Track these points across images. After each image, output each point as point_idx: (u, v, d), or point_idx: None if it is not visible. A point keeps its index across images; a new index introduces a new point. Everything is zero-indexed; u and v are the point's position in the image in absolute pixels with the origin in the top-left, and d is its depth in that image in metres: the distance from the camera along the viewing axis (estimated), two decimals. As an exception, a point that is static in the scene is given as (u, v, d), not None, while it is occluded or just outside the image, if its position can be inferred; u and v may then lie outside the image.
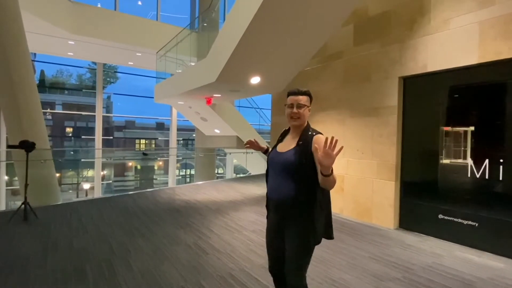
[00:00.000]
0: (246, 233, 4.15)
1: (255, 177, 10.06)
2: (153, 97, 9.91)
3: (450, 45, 3.84)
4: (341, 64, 5.32)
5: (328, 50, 5.55)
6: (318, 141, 1.65)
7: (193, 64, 11.47)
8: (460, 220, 3.82)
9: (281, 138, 1.95)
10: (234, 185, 8.41)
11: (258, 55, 5.14)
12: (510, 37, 3.30)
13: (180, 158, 18.41)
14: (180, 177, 21.14)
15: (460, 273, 2.99)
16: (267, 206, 1.92)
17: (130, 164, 20.91)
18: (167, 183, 16.11)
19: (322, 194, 1.74)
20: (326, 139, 1.47)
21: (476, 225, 3.67)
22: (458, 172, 3.90)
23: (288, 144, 1.82)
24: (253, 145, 2.22)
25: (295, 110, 1.78)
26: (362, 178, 4.87)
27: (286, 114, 1.84)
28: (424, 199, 4.21)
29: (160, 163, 22.04)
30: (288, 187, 1.71)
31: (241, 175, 19.08)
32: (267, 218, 1.94)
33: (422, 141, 4.33)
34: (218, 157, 14.48)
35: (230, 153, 12.96)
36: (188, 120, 11.93)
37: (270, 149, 2.02)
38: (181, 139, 22.10)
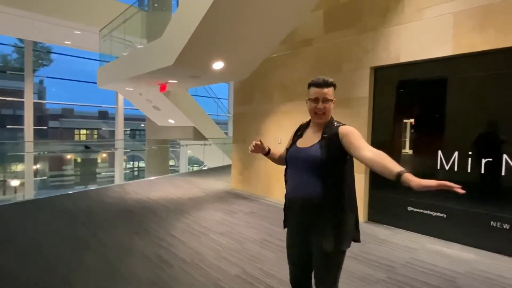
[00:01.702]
0: (213, 237, 3.71)
1: (214, 171, 9.56)
2: (95, 82, 8.73)
3: (424, 35, 3.76)
4: (311, 52, 5.05)
5: (297, 36, 5.23)
6: (347, 132, 1.51)
7: (141, 47, 10.41)
8: (428, 212, 3.85)
9: (300, 133, 1.73)
10: (192, 179, 7.83)
11: (222, 38, 4.62)
12: (485, 29, 3.29)
13: (128, 150, 16.97)
14: (128, 170, 19.60)
15: (439, 268, 2.94)
16: (287, 209, 1.73)
17: (68, 156, 18.73)
18: (113, 177, 14.71)
19: (349, 191, 1.58)
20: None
21: (444, 216, 3.72)
22: (427, 164, 3.90)
23: (311, 139, 1.62)
24: (258, 148, 1.83)
25: (320, 105, 1.56)
26: (332, 171, 4.72)
27: (309, 108, 1.61)
28: (393, 191, 4.18)
29: (104, 155, 20.17)
30: (314, 185, 1.53)
31: (196, 168, 18.35)
32: (285, 222, 1.77)
33: (390, 133, 4.28)
34: (170, 149, 13.55)
35: (186, 145, 12.18)
36: (137, 109, 10.86)
37: (289, 146, 1.76)
38: (128, 129, 20.44)
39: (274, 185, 5.72)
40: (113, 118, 14.30)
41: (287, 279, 2.66)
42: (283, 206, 1.77)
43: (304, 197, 1.55)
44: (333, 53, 4.73)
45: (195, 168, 19.12)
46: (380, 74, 4.30)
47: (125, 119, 14.05)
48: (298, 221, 1.63)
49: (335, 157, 1.52)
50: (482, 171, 3.42)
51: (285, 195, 1.70)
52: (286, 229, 1.78)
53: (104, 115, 23.24)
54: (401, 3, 3.95)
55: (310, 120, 1.71)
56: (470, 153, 3.52)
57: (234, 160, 6.75)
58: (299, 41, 5.23)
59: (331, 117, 1.63)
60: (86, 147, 14.66)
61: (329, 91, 1.56)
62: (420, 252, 3.32)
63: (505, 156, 3.27)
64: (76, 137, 21.89)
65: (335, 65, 4.70)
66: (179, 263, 2.98)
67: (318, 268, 1.58)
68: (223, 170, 9.48)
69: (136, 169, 22.15)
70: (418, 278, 2.73)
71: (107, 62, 8.17)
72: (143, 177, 11.73)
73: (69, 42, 11.53)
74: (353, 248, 3.30)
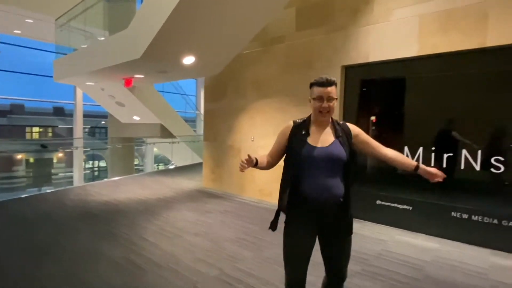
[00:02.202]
0: (188, 238, 3.59)
1: (184, 169, 9.30)
2: (50, 76, 8.05)
3: (392, 36, 3.93)
4: (282, 49, 5.06)
5: (269, 33, 5.21)
6: (358, 131, 1.70)
7: (104, 38, 9.79)
8: (396, 205, 4.05)
9: (304, 132, 1.66)
10: (161, 179, 7.55)
11: (193, 32, 4.46)
12: (447, 32, 3.50)
13: (88, 149, 15.95)
14: (88, 171, 18.45)
15: (408, 258, 3.10)
16: (294, 211, 1.64)
17: (19, 156, 17.16)
18: (71, 178, 13.74)
19: (351, 183, 1.69)
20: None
21: (411, 208, 3.93)
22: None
23: (325, 138, 1.63)
24: (249, 163, 1.60)
25: (325, 104, 1.58)
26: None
27: (313, 107, 1.63)
28: (363, 186, 4.34)
29: (60, 154, 18.81)
30: (337, 184, 1.60)
31: (162, 167, 17.76)
32: (290, 220, 1.67)
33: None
34: (135, 147, 12.94)
35: (153, 143, 11.70)
36: (98, 105, 10.22)
37: (287, 146, 1.72)
38: (88, 126, 19.24)
39: (248, 183, 5.69)
40: (71, 115, 13.33)
41: (267, 277, 2.65)
42: (281, 206, 1.69)
43: (331, 198, 1.58)
44: (304, 51, 4.78)
45: (161, 167, 18.51)
46: (351, 72, 4.42)
47: (84, 115, 13.16)
48: (316, 221, 1.63)
49: (352, 155, 1.63)
50: (444, 165, 3.66)
51: (295, 193, 1.62)
52: (282, 230, 1.72)
53: (60, 112, 21.64)
54: (370, 4, 4.08)
55: (306, 119, 1.71)
56: (433, 148, 3.75)
57: (206, 158, 6.60)
58: (271, 38, 5.21)
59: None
60: (43, 146, 13.52)
61: (332, 89, 1.59)
62: (390, 244, 3.47)
63: (464, 151, 3.52)
64: (28, 136, 20.14)
65: (306, 63, 4.75)
66: (153, 267, 2.84)
67: (341, 258, 1.70)
68: (193, 168, 9.25)
69: (96, 169, 20.94)
70: (390, 269, 2.85)
71: (65, 54, 7.56)
72: (105, 178, 11.10)
73: (19, 32, 10.51)
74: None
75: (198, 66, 5.46)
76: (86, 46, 7.35)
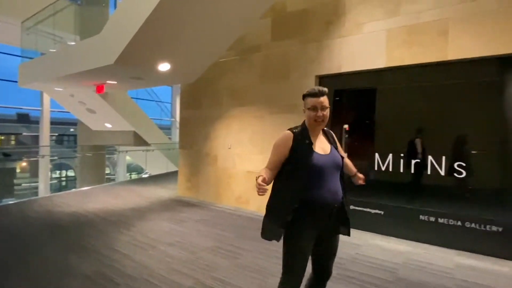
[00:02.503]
0: (162, 248, 3.48)
1: (158, 178, 9.06)
2: (14, 81, 7.62)
3: (362, 48, 4.12)
4: (259, 58, 5.14)
5: (245, 42, 5.29)
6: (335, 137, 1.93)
7: (74, 43, 9.44)
8: (368, 210, 4.18)
9: (308, 141, 1.73)
10: (134, 188, 7.30)
11: (169, 38, 4.43)
12: (412, 45, 3.73)
13: (55, 157, 15.13)
14: (55, 181, 17.46)
15: (381, 261, 3.21)
16: (303, 213, 1.65)
17: (-24, 166, 15.93)
18: (36, 189, 12.93)
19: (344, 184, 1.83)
20: None
21: (382, 213, 4.08)
22: (365, 166, 4.24)
23: (323, 145, 1.78)
24: (267, 183, 1.59)
25: (319, 113, 1.69)
26: (281, 175, 4.83)
27: (309, 117, 1.73)
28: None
29: (24, 164, 17.68)
30: (339, 187, 1.75)
31: (135, 176, 17.19)
32: (297, 227, 1.67)
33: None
34: (106, 155, 12.41)
35: (126, 152, 11.32)
36: (67, 112, 9.77)
37: (304, 149, 1.72)
38: (55, 134, 18.29)
39: (224, 191, 5.65)
40: (36, 122, 12.61)
41: (243, 285, 2.63)
42: (283, 220, 1.67)
43: (336, 199, 1.71)
44: (280, 61, 4.88)
45: (134, 176, 17.90)
46: (325, 82, 4.57)
47: (52, 123, 12.51)
48: (322, 222, 1.71)
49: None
50: (412, 171, 3.85)
51: (304, 199, 1.65)
52: (285, 234, 1.73)
53: (24, 118, 20.42)
54: (342, 17, 4.27)
55: (303, 128, 1.76)
56: (402, 155, 3.94)
57: (181, 166, 6.49)
58: (247, 47, 5.28)
59: None
60: (5, 154, 12.65)
61: (324, 99, 1.70)
62: (364, 248, 3.57)
63: (430, 157, 3.73)
64: (-13, 144, 18.78)
65: (282, 72, 4.86)
66: (126, 280, 2.72)
67: (334, 254, 1.84)
68: (167, 177, 9.04)
69: (64, 179, 19.87)
70: (364, 272, 2.93)
71: (31, 58, 7.21)
72: (73, 188, 10.56)
73: (-21, 33, 9.90)
74: (305, 249, 3.42)
75: (173, 73, 5.41)
76: (55, 50, 7.06)
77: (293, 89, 4.73)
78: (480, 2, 3.34)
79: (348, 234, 1.83)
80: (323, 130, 1.84)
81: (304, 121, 1.80)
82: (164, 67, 5.05)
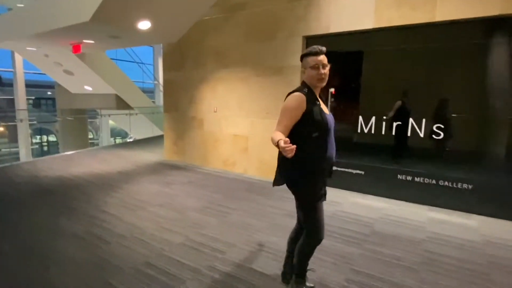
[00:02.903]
0: (152, 209, 3.58)
1: (144, 142, 8.99)
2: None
3: (351, 7, 4.01)
4: (244, 17, 4.93)
5: (230, -1, 5.02)
6: None
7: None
8: (350, 170, 4.36)
9: (318, 102, 1.78)
10: (120, 152, 7.25)
11: (149, -7, 4.15)
12: (401, 6, 3.65)
13: (34, 122, 14.60)
14: (37, 146, 17.02)
15: (359, 216, 3.42)
16: (321, 170, 1.77)
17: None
18: (17, 154, 12.62)
19: None
20: None
21: (363, 173, 4.27)
22: (348, 129, 4.34)
23: (323, 106, 1.83)
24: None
25: (322, 71, 1.72)
26: (267, 138, 4.89)
27: (311, 75, 1.75)
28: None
29: (1, 129, 17.04)
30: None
31: (120, 141, 16.95)
32: (318, 186, 1.78)
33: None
34: (88, 120, 12.03)
35: (109, 116, 11.02)
36: (44, 73, 9.27)
37: (317, 111, 1.74)
38: (32, 97, 17.48)
39: (211, 153, 5.70)
40: (10, 85, 11.93)
41: (231, 240, 2.78)
42: (315, 170, 1.75)
43: (335, 156, 1.84)
44: (266, 20, 4.70)
45: (119, 141, 17.66)
46: (312, 43, 4.45)
47: (27, 85, 11.88)
48: (325, 179, 1.85)
49: None
50: (394, 133, 3.98)
51: (322, 158, 1.75)
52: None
53: (-5, 81, 19.22)
54: (332, -27, 4.08)
55: (308, 89, 1.76)
56: (384, 118, 4.03)
57: (167, 130, 6.43)
58: (232, 5, 5.03)
59: None
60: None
61: (324, 58, 1.73)
62: (343, 205, 3.78)
63: (411, 120, 3.85)
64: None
65: (268, 32, 4.70)
66: (117, 239, 2.82)
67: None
68: (153, 141, 8.98)
69: (45, 144, 19.39)
70: (343, 227, 3.14)
71: (-4, 13, 6.62)
72: (56, 153, 10.36)
73: None
74: (286, 206, 3.60)
75: (154, 32, 5.14)
76: (23, 5, 6.51)
77: (280, 50, 4.62)
78: (472, -41, 3.24)
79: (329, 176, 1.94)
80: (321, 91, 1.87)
81: (304, 82, 1.79)
82: (144, 25, 4.78)
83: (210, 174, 5.23)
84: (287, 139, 1.48)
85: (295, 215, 3.36)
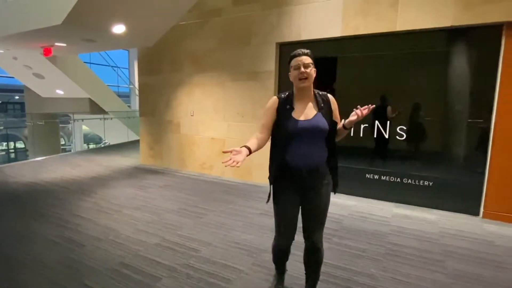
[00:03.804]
0: (127, 212, 3.58)
1: (118, 147, 8.83)
2: None
3: (321, 16, 4.24)
4: (220, 23, 5.05)
5: (206, 5, 5.13)
6: (334, 101, 1.86)
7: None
8: (323, 171, 4.56)
9: (289, 107, 1.77)
10: (93, 157, 7.10)
11: (124, -2, 4.17)
12: (366, 15, 3.92)
13: (1, 128, 13.90)
14: (3, 153, 16.16)
15: (329, 213, 3.58)
16: (282, 176, 1.77)
17: None
18: (-19, 162, 11.94)
19: (336, 149, 1.84)
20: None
21: (335, 173, 4.48)
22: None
23: (308, 110, 1.76)
24: (239, 156, 1.53)
25: (302, 69, 1.71)
26: (243, 141, 4.99)
27: (293, 76, 1.76)
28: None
29: (-37, 135, 16.06)
30: (321, 151, 1.75)
31: (94, 147, 16.43)
32: (278, 190, 1.80)
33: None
34: (60, 125, 11.61)
35: (82, 120, 10.71)
36: (11, 77, 8.90)
37: (276, 120, 1.77)
38: (-2, 102, 16.65)
39: (188, 157, 5.74)
40: (-26, 88, 11.33)
41: (207, 240, 2.86)
42: (270, 178, 1.80)
43: (312, 164, 1.72)
44: (241, 26, 4.86)
45: (92, 146, 17.12)
46: (285, 49, 4.67)
47: (-7, 89, 11.33)
48: (300, 184, 1.75)
49: (332, 125, 1.77)
50: (361, 135, 4.23)
51: (281, 164, 1.75)
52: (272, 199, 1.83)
53: (-44, 84, 18.11)
54: (302, -16, 4.30)
55: (290, 93, 1.80)
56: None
57: (143, 134, 6.40)
58: (208, 11, 5.14)
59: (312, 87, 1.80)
60: None
61: (307, 58, 1.73)
62: (316, 204, 3.95)
63: (376, 122, 4.11)
64: None
65: (243, 38, 4.85)
66: (91, 241, 2.82)
67: (316, 219, 1.80)
68: (128, 146, 8.85)
69: (12, 150, 18.42)
70: (315, 224, 3.30)
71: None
72: (24, 159, 9.93)
73: None
74: (263, 206, 3.72)
75: (130, 36, 5.15)
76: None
77: (254, 55, 4.78)
78: (426, -24, 3.56)
79: (321, 205, 1.78)
80: (318, 94, 1.81)
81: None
82: (119, 29, 4.77)
83: (187, 177, 5.27)
84: (239, 149, 1.53)
85: (269, 214, 3.51)
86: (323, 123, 1.72)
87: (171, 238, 2.90)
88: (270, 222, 3.30)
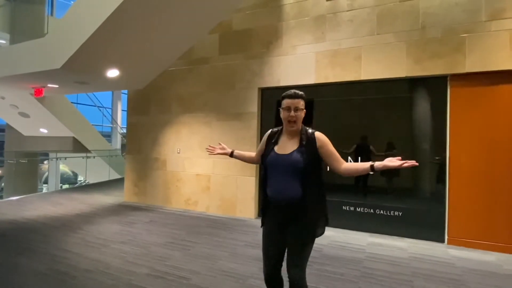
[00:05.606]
0: (115, 246, 3.66)
1: (99, 185, 8.77)
2: None
3: (297, 66, 4.85)
4: (207, 70, 5.58)
5: (194, 54, 5.69)
6: (325, 141, 1.83)
7: (3, 41, 8.73)
8: (303, 204, 4.86)
9: (274, 140, 1.91)
10: (73, 195, 7.04)
11: (120, 45, 4.63)
12: (335, 66, 4.56)
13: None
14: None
15: (311, 244, 3.84)
16: (266, 207, 1.91)
17: None
18: None
19: (322, 190, 1.87)
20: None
21: (314, 206, 4.79)
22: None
23: (289, 146, 1.84)
24: (220, 149, 2.11)
25: (292, 113, 1.80)
26: (228, 176, 5.30)
27: (283, 117, 1.85)
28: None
29: None
30: (296, 187, 1.75)
31: (69, 186, 15.92)
32: (263, 222, 1.94)
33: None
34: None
35: (59, 159, 10.60)
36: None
37: (264, 151, 1.94)
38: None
39: (173, 194, 5.88)
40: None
41: (196, 269, 3.01)
42: (262, 205, 1.96)
43: (287, 199, 1.76)
44: (227, 73, 5.40)
45: (66, 187, 16.55)
46: (266, 93, 5.20)
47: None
48: (276, 219, 1.84)
49: (313, 162, 1.78)
50: (336, 170, 4.63)
51: (264, 196, 1.89)
52: (261, 228, 1.97)
53: None
54: (280, 39, 4.97)
55: (281, 128, 1.94)
56: (328, 156, 4.71)
57: (128, 172, 6.52)
58: (196, 59, 5.69)
59: (302, 124, 1.89)
60: None
61: (299, 101, 1.80)
62: (298, 235, 4.19)
63: (349, 158, 4.56)
64: None
65: (228, 83, 5.37)
66: (82, 273, 2.89)
67: (294, 255, 1.77)
68: (110, 184, 8.81)
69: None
70: (297, 253, 3.53)
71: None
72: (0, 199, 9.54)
73: None
74: (247, 238, 3.92)
75: (122, 79, 5.55)
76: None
77: (238, 98, 5.27)
78: (382, 36, 4.29)
79: (302, 239, 1.77)
80: (305, 132, 1.85)
81: None
82: (113, 73, 5.17)
83: (172, 213, 5.38)
84: (225, 146, 2.17)
85: (254, 245, 3.71)
86: (297, 159, 1.75)
87: (161, 268, 3.03)
88: (255, 252, 3.50)
